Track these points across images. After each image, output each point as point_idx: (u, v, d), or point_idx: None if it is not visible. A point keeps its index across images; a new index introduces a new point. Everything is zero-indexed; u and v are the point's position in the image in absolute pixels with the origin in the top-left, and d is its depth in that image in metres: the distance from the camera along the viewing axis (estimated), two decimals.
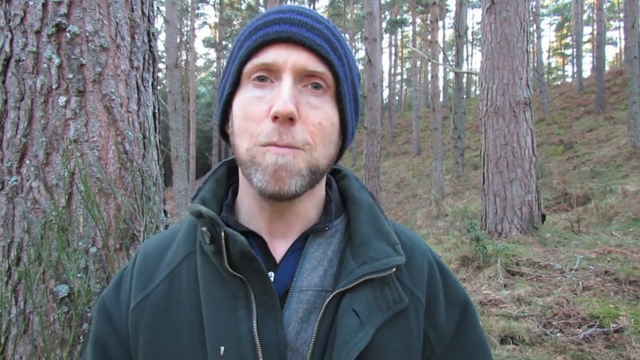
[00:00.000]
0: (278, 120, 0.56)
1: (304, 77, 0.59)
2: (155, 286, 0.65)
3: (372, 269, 0.61)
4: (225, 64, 0.67)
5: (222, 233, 0.59)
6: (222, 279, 0.60)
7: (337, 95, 0.62)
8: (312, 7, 30.25)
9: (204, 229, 0.60)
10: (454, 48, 17.44)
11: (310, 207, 0.67)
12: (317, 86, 0.60)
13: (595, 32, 24.47)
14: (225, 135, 0.67)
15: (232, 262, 0.59)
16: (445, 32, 34.91)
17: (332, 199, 0.70)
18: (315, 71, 0.58)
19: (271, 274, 0.62)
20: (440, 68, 19.39)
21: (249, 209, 0.66)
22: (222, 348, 0.56)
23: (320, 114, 0.59)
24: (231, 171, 0.73)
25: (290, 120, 0.56)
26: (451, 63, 15.93)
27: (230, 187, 0.72)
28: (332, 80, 0.61)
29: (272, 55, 0.58)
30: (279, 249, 0.65)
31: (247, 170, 0.59)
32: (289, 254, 0.64)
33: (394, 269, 0.63)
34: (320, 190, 0.68)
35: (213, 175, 0.71)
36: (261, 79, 0.59)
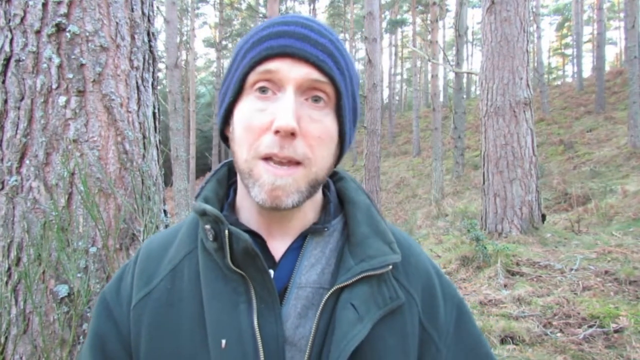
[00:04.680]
0: (279, 134, 0.57)
1: (305, 89, 0.60)
2: (157, 283, 0.67)
3: (370, 266, 0.63)
4: (227, 67, 0.68)
5: (226, 231, 0.61)
6: (224, 275, 0.62)
7: (337, 109, 0.63)
8: (312, 7, 30.22)
9: (207, 226, 0.62)
10: (454, 48, 17.44)
11: (308, 210, 0.69)
12: (317, 99, 0.61)
13: (595, 32, 24.45)
14: (225, 138, 0.69)
15: (234, 259, 0.61)
16: (445, 32, 34.89)
17: (330, 200, 0.72)
18: (319, 80, 0.60)
19: (270, 272, 0.63)
20: (440, 68, 19.39)
21: (248, 210, 0.68)
22: (224, 341, 0.58)
23: (320, 128, 0.61)
24: (232, 171, 0.75)
25: (291, 134, 0.58)
26: (451, 63, 15.92)
27: (230, 186, 0.74)
28: (334, 95, 0.62)
29: (276, 64, 0.59)
30: (277, 248, 0.67)
31: (245, 181, 0.62)
32: (287, 253, 0.66)
33: (391, 267, 0.65)
34: (318, 193, 0.70)
35: (214, 175, 0.73)
36: (263, 90, 0.60)
